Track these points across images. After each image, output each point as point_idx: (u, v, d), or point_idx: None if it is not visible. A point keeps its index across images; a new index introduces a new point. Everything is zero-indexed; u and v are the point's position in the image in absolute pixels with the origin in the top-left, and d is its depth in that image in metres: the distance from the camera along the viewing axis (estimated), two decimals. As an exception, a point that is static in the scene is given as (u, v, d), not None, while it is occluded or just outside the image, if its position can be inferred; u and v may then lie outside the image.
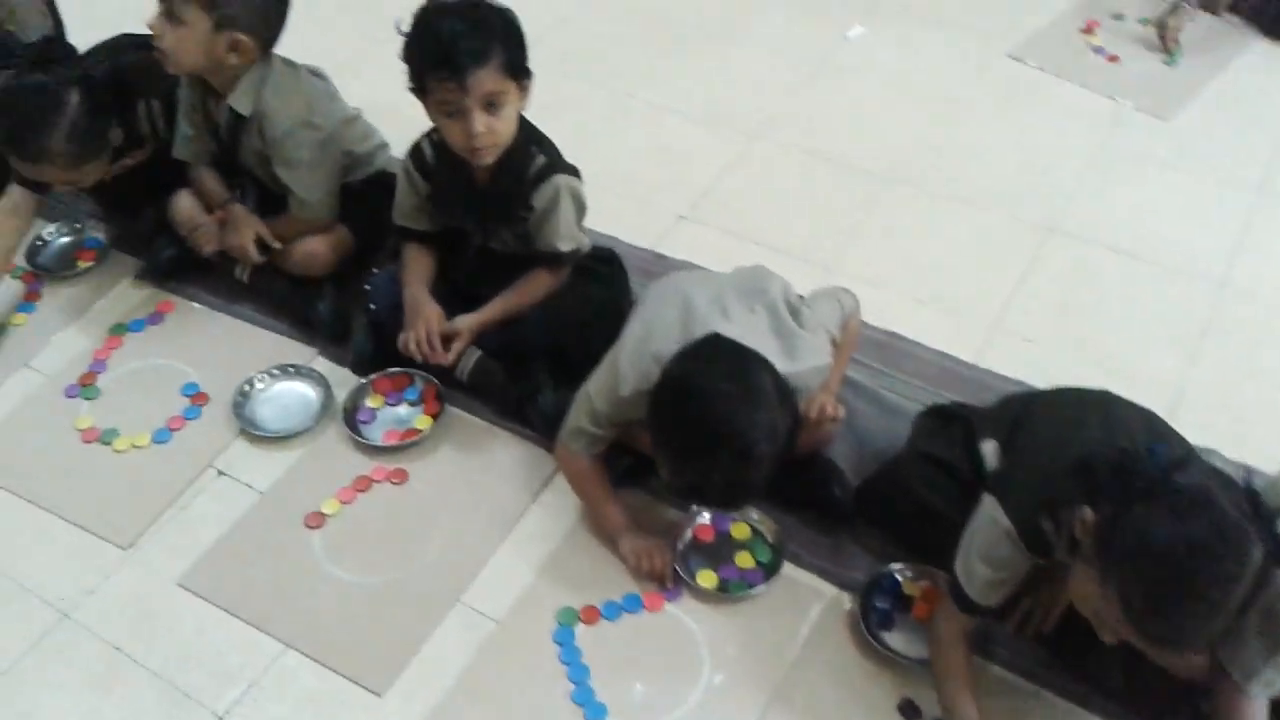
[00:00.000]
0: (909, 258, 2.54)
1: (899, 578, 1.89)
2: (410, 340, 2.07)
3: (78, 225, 2.65)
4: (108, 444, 2.18)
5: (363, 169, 2.39)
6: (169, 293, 2.49)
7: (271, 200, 2.35)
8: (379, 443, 2.14)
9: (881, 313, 2.28)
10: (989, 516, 1.63)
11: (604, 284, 2.23)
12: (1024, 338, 2.34)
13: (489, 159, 1.96)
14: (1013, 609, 1.77)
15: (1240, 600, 1.35)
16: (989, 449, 1.78)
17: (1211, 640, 1.44)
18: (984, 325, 2.37)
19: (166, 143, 2.37)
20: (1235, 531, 1.35)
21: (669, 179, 2.77)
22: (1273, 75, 3.09)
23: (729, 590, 1.90)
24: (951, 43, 3.21)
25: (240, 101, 2.19)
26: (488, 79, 1.85)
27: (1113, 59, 3.11)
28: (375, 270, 2.30)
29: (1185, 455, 1.59)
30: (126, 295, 2.50)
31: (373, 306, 2.22)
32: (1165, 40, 3.09)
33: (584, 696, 1.78)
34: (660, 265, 2.46)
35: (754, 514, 1.98)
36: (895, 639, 1.82)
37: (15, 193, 2.39)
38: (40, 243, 2.60)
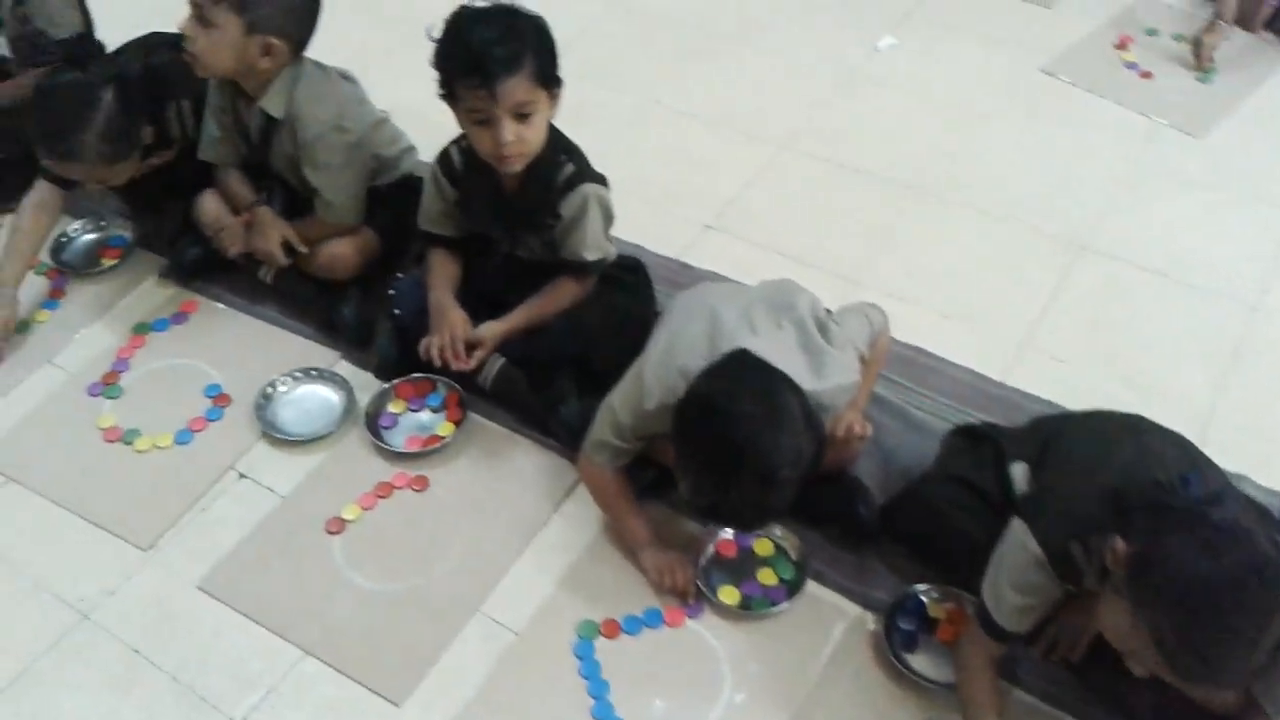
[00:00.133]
0: (937, 272, 2.51)
1: (924, 599, 1.86)
2: (433, 346, 2.06)
3: (103, 222, 2.66)
4: (129, 444, 2.18)
5: (390, 173, 2.39)
6: (193, 292, 2.48)
7: (298, 203, 2.34)
8: (401, 449, 2.13)
9: (908, 328, 2.26)
10: (1018, 541, 1.61)
11: (629, 293, 2.22)
12: (1053, 356, 2.31)
13: (518, 167, 1.95)
14: (1040, 634, 1.75)
15: (1276, 636, 1.33)
16: (1018, 471, 1.76)
17: (1246, 677, 1.42)
18: (1012, 342, 2.34)
19: (194, 143, 2.37)
20: (1270, 567, 1.33)
21: (695, 188, 2.75)
22: (1308, 94, 3.05)
23: (751, 607, 1.88)
24: (983, 56, 3.18)
25: (272, 104, 2.19)
26: (518, 88, 1.84)
27: (1146, 75, 3.08)
28: (400, 275, 2.29)
29: (1219, 488, 1.57)
30: (151, 294, 2.50)
31: (397, 312, 2.21)
32: (1200, 57, 3.06)
33: (604, 711, 1.76)
34: (686, 275, 2.45)
35: (777, 530, 1.96)
36: (919, 661, 1.80)
37: (42, 189, 2.40)
38: (65, 239, 2.60)
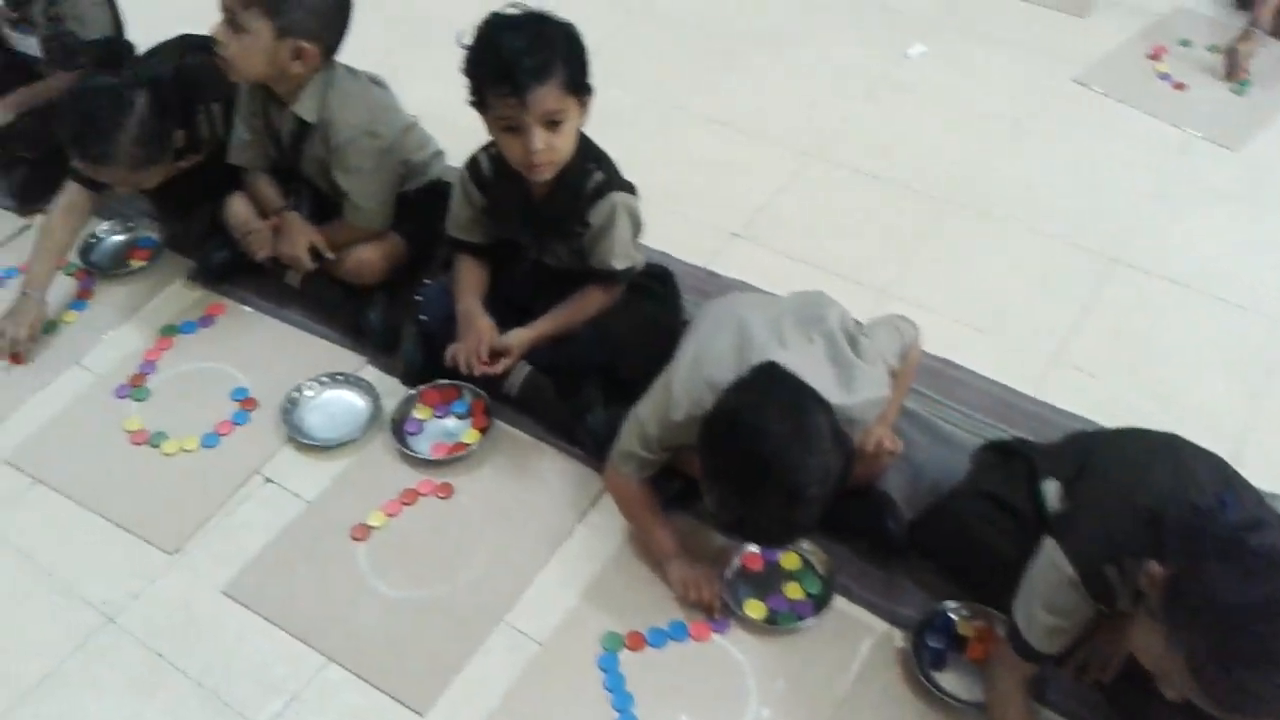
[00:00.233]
0: (966, 283, 2.49)
1: (953, 616, 1.84)
2: (460, 353, 2.05)
3: (131, 224, 2.66)
4: (156, 447, 2.18)
5: (418, 178, 2.38)
6: (220, 295, 2.49)
7: (326, 207, 2.34)
8: (426, 455, 2.13)
9: (937, 340, 2.23)
10: (1051, 561, 1.59)
11: (657, 302, 2.21)
12: (1084, 370, 2.29)
13: (547, 175, 1.94)
14: (1071, 654, 1.72)
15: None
16: (1051, 489, 1.74)
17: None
18: (1043, 356, 2.32)
19: (223, 146, 2.37)
20: (1310, 594, 1.30)
21: (723, 195, 2.74)
22: (1346, 107, 3.01)
23: (778, 622, 1.86)
24: (1015, 64, 3.15)
25: (305, 109, 2.19)
26: (549, 97, 1.83)
27: (1179, 86, 3.04)
28: (427, 281, 2.29)
29: (1257, 512, 1.54)
30: (178, 296, 2.51)
31: (424, 318, 2.21)
32: (1234, 67, 3.02)
33: (628, 725, 1.76)
34: (713, 284, 2.44)
35: (805, 544, 1.95)
36: (948, 680, 1.78)
37: (72, 191, 2.40)
38: (93, 240, 2.61)
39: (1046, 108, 3.00)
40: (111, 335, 2.42)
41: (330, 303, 2.39)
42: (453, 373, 2.11)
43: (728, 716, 1.77)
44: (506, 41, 1.82)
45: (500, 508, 2.06)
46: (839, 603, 1.89)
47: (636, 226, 2.09)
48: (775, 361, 1.73)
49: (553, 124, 1.86)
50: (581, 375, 2.15)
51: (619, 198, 2.02)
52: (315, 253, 2.29)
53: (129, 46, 2.67)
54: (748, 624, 1.87)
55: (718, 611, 1.87)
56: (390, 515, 2.05)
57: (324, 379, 2.27)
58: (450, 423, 2.20)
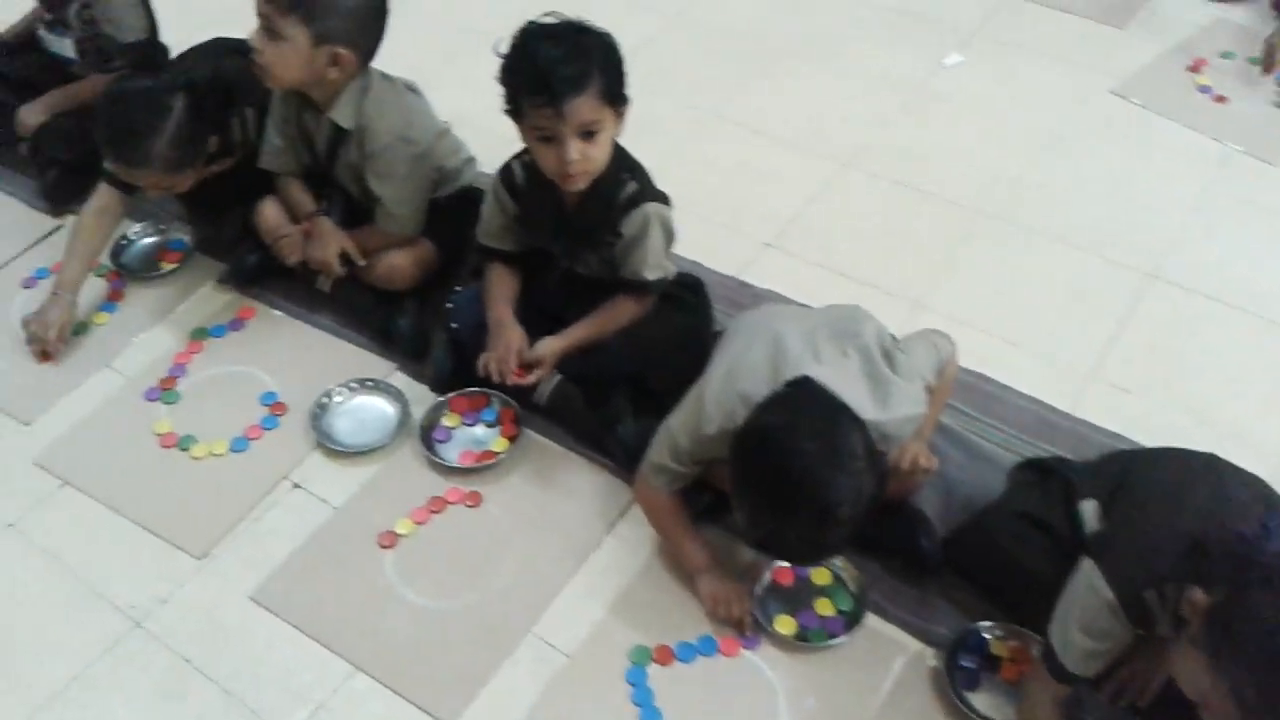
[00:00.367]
0: (1002, 297, 2.46)
1: (987, 636, 1.82)
2: (491, 361, 2.04)
3: (163, 226, 2.66)
4: (185, 450, 2.18)
5: (450, 184, 2.38)
6: (251, 299, 2.49)
7: (358, 213, 2.33)
8: (455, 463, 2.12)
9: (972, 354, 2.19)
10: (1089, 584, 1.56)
11: (688, 312, 2.19)
12: (1121, 387, 2.26)
13: (582, 185, 1.93)
14: (1108, 677, 1.69)
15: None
16: (1089, 509, 1.71)
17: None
18: (1080, 372, 2.29)
19: (255, 150, 2.36)
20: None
21: (755, 204, 2.72)
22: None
23: (808, 639, 1.84)
24: (1052, 75, 3.11)
25: (342, 115, 2.18)
26: (585, 107, 1.81)
27: (1220, 99, 3.00)
28: (458, 288, 2.28)
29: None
30: (209, 299, 2.51)
31: (454, 325, 2.20)
32: (1274, 61, 2.97)
33: (656, 741, 1.74)
34: (744, 294, 2.42)
35: (837, 560, 1.92)
36: (981, 701, 1.75)
37: (104, 193, 2.41)
38: (125, 242, 2.61)
39: (1084, 119, 2.96)
40: (142, 338, 2.42)
41: (360, 308, 2.38)
42: (482, 380, 2.10)
43: (757, 734, 1.75)
44: (544, 51, 1.81)
45: (528, 517, 2.05)
46: (871, 620, 1.86)
47: (669, 237, 2.07)
48: (809, 376, 1.71)
49: (588, 134, 1.85)
50: (611, 385, 2.13)
51: (652, 208, 2.00)
52: (346, 258, 2.29)
53: (164, 49, 2.69)
54: (778, 640, 1.85)
55: (749, 629, 1.85)
56: (418, 523, 2.04)
57: (353, 384, 2.26)
58: (479, 431, 2.19)
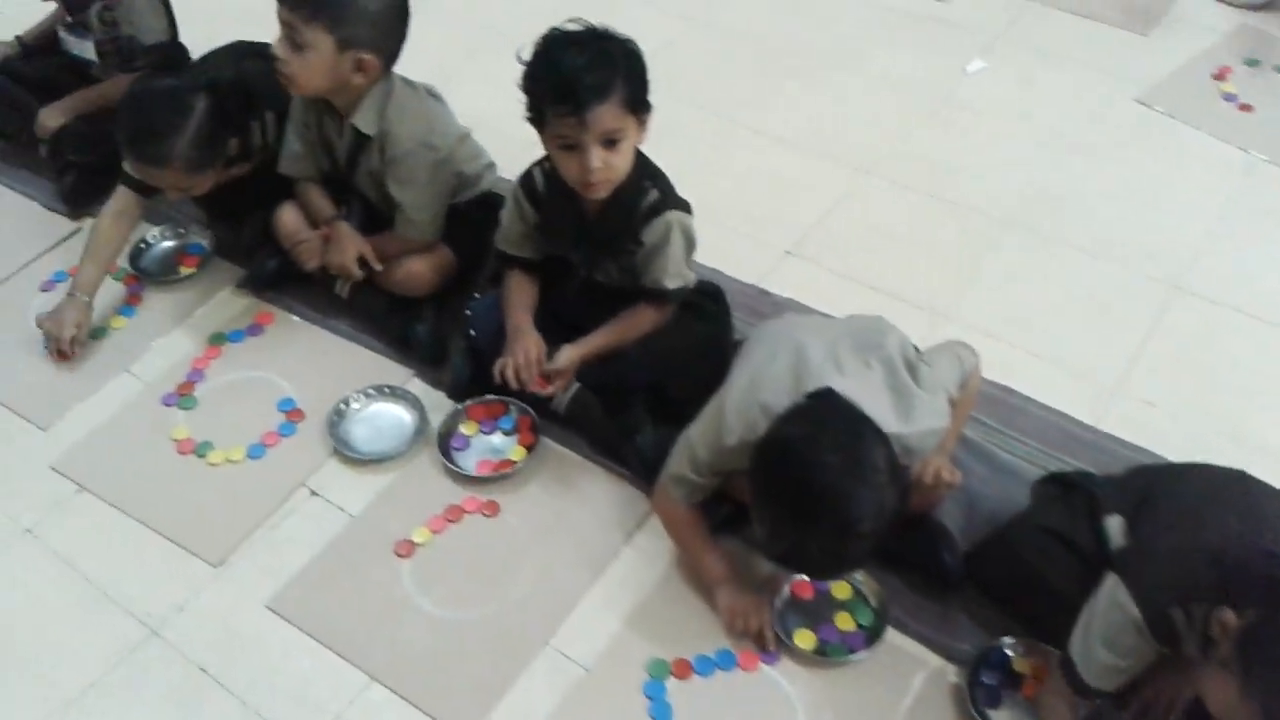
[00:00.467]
0: (1025, 308, 2.44)
1: (1009, 652, 1.80)
2: (509, 368, 2.02)
3: (181, 230, 2.66)
4: (202, 456, 2.17)
5: (470, 189, 2.37)
6: (269, 304, 2.48)
7: (377, 218, 2.33)
8: (472, 472, 2.11)
9: (995, 366, 2.17)
10: (1113, 600, 1.54)
11: (708, 321, 2.17)
12: (1146, 401, 2.23)
13: (603, 193, 1.91)
14: (1132, 695, 1.67)
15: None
16: (1114, 525, 1.69)
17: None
18: (1104, 385, 2.26)
19: (275, 154, 2.36)
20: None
21: (776, 212, 2.70)
22: None
23: (828, 653, 1.82)
24: (1076, 83, 3.08)
25: (364, 121, 2.17)
26: (608, 116, 1.80)
27: (1245, 108, 2.97)
28: (477, 295, 2.27)
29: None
30: (227, 304, 2.50)
31: (473, 333, 2.18)
32: None
33: (674, 756, 1.72)
34: (764, 302, 2.40)
35: (857, 574, 1.90)
36: (1002, 718, 1.73)
37: (122, 196, 2.41)
38: (143, 246, 2.61)
39: (1107, 127, 2.93)
40: (160, 342, 2.41)
41: (378, 314, 2.37)
42: (500, 388, 2.09)
43: (776, 750, 1.73)
44: (567, 59, 1.80)
45: (546, 527, 2.04)
46: (891, 635, 1.84)
47: (690, 245, 2.05)
48: (832, 388, 1.70)
49: (611, 142, 1.84)
50: (630, 394, 2.11)
51: (673, 216, 1.98)
52: (364, 263, 2.28)
53: (185, 51, 2.69)
54: (797, 655, 1.83)
55: (770, 644, 1.82)
56: (435, 532, 2.03)
57: (370, 391, 2.25)
58: (496, 439, 2.17)
